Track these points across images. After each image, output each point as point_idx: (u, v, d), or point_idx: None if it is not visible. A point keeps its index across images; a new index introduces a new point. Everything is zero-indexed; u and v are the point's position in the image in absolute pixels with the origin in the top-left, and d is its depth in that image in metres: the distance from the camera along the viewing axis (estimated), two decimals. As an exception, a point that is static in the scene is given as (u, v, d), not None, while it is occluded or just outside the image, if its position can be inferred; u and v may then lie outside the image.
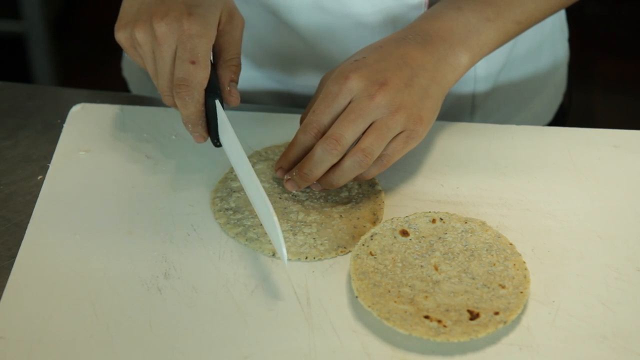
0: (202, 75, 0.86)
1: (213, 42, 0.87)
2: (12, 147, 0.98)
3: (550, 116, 1.22)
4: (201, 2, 0.87)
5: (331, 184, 0.88)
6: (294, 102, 1.11)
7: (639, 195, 0.92)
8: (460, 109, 1.12)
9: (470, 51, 0.91)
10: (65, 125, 0.99)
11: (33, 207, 0.90)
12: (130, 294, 0.81)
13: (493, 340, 0.78)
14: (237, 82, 0.90)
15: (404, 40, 0.90)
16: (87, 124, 0.99)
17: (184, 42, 0.85)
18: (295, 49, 1.06)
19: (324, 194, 0.91)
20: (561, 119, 1.24)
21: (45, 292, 0.82)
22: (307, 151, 0.88)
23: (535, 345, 0.77)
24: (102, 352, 0.77)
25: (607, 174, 0.94)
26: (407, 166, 0.95)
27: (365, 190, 0.91)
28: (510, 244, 0.84)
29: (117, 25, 0.88)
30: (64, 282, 0.82)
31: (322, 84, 0.91)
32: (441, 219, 0.86)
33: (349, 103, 0.86)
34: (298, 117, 0.93)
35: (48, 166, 0.95)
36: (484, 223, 0.86)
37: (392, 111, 0.86)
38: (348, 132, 0.85)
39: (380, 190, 0.91)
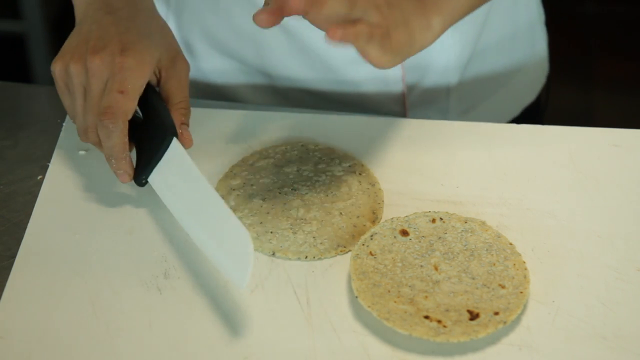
0: (128, 105, 0.86)
1: (146, 80, 0.88)
2: (12, 147, 0.98)
3: (530, 98, 1.22)
4: (139, 42, 0.89)
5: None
6: (276, 96, 1.11)
7: (639, 195, 0.92)
8: (436, 93, 1.13)
9: (442, 15, 0.91)
10: (65, 125, 0.99)
11: (33, 207, 0.90)
12: (130, 294, 0.81)
13: (493, 340, 0.78)
14: (187, 125, 0.91)
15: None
16: (87, 124, 0.99)
17: (115, 74, 0.86)
18: (272, 34, 1.06)
19: (324, 187, 0.91)
20: (537, 114, 1.25)
21: (45, 292, 0.82)
22: None
23: (535, 345, 0.77)
24: (102, 352, 0.77)
25: (607, 174, 0.94)
26: (407, 166, 0.95)
27: (365, 188, 0.91)
28: (510, 244, 0.84)
29: (55, 59, 0.90)
30: (64, 282, 0.82)
31: None
32: (441, 219, 0.86)
33: None
34: (297, 117, 0.94)
35: (48, 166, 0.95)
36: (483, 223, 0.86)
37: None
38: None
39: (380, 189, 0.91)
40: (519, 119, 1.20)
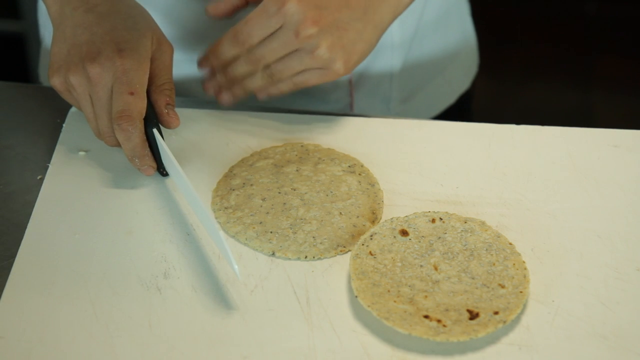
0: (141, 105, 0.88)
1: (148, 74, 0.89)
2: (12, 147, 0.98)
3: (465, 86, 1.26)
4: (130, 37, 0.89)
5: (243, 88, 0.94)
6: None
7: (638, 195, 0.92)
8: (381, 79, 1.14)
9: None
10: (65, 125, 0.99)
11: (33, 207, 0.90)
12: (130, 293, 0.81)
13: (493, 340, 0.78)
14: (173, 105, 0.92)
15: None
16: (87, 124, 0.98)
17: (120, 77, 0.87)
18: (222, 30, 1.06)
19: (323, 187, 0.91)
20: (470, 102, 1.27)
21: (45, 292, 0.82)
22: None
23: (535, 344, 0.77)
24: (102, 352, 0.77)
25: (606, 174, 0.94)
26: (407, 166, 0.95)
27: (365, 189, 0.91)
28: (510, 244, 0.84)
29: (49, 71, 0.90)
30: (63, 282, 0.82)
31: None
32: (441, 219, 0.87)
33: (280, 26, 0.90)
34: (297, 117, 0.94)
35: (48, 166, 0.95)
36: (483, 223, 0.86)
37: (313, 49, 0.90)
38: (269, 56, 0.91)
39: (379, 189, 0.91)
40: (454, 107, 1.24)
